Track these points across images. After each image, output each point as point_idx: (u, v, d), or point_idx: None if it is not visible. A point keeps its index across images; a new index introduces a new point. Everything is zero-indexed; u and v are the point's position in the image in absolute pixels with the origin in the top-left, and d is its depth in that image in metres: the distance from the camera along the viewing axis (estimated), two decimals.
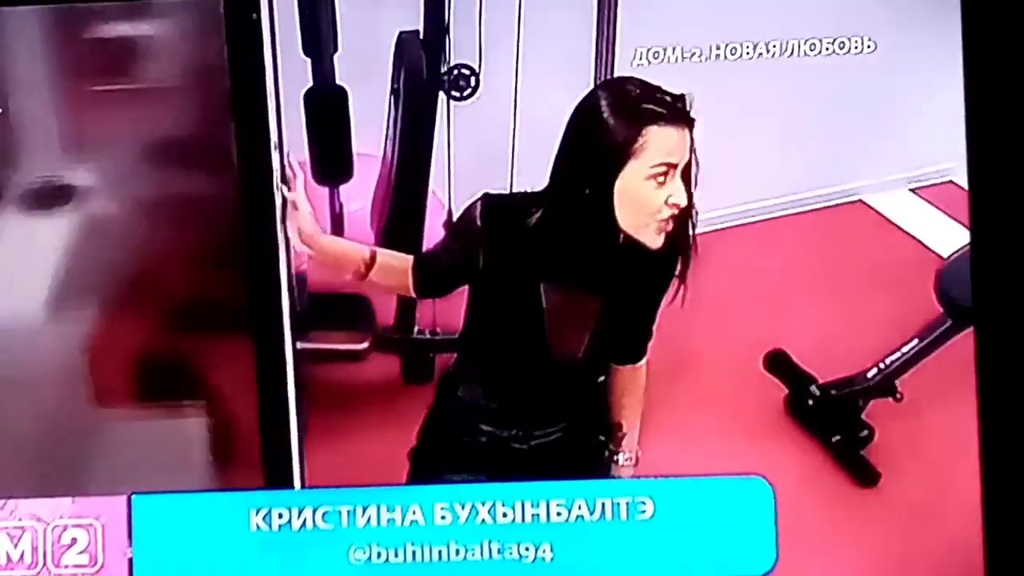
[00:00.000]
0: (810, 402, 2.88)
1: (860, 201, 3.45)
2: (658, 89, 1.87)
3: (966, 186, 3.32)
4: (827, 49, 2.32)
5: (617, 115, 1.72)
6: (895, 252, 3.29)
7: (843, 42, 2.29)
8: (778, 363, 3.06)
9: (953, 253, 2.92)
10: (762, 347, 2.92)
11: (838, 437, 2.79)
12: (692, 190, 1.85)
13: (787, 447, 2.80)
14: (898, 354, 2.81)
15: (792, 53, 2.32)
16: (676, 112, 1.78)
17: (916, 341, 2.80)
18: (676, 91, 1.90)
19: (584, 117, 1.82)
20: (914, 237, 3.30)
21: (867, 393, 2.79)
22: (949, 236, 3.15)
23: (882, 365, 2.81)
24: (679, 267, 2.24)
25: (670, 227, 1.80)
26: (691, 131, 1.84)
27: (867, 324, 3.02)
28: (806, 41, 2.30)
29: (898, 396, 2.78)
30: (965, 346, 2.83)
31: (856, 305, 3.17)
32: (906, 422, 2.83)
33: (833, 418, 2.82)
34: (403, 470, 2.67)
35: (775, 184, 3.22)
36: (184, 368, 2.31)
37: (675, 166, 1.76)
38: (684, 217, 1.94)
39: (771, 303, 3.17)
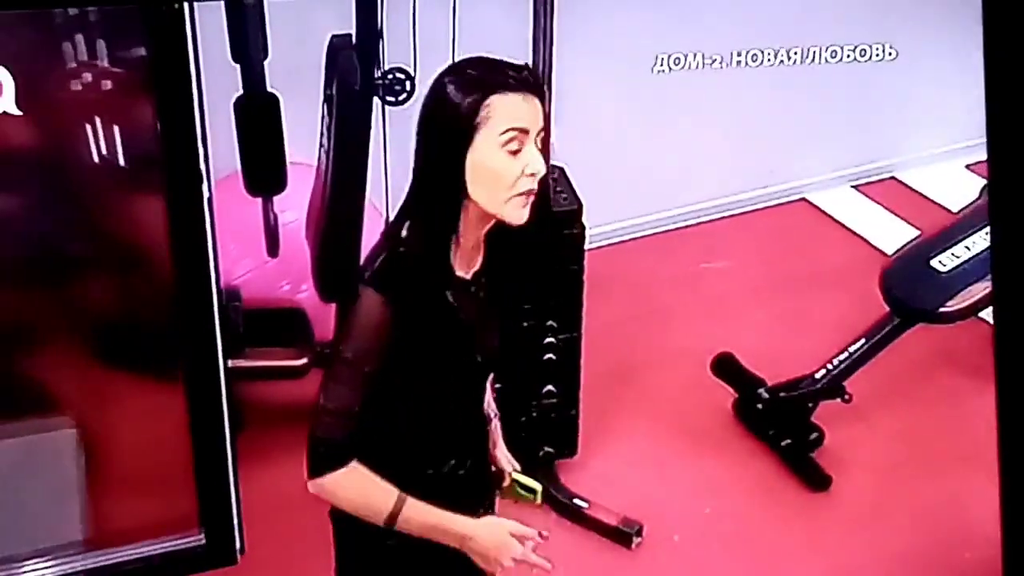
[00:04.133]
0: (759, 406, 2.85)
1: (803, 199, 3.44)
2: (501, 62, 1.83)
3: (909, 182, 3.34)
4: (848, 56, 2.30)
5: (459, 90, 1.67)
6: (840, 251, 3.28)
7: (864, 49, 2.28)
8: (726, 367, 3.01)
9: (898, 251, 2.91)
10: (710, 351, 2.93)
11: (788, 441, 2.76)
12: (549, 160, 1.81)
13: (736, 452, 2.77)
14: (845, 355, 2.77)
15: (813, 60, 2.30)
16: (520, 80, 1.74)
17: (863, 341, 2.76)
18: (519, 62, 1.87)
19: (431, 102, 1.76)
20: (858, 235, 3.29)
21: (816, 395, 2.75)
22: (893, 233, 3.14)
23: (830, 366, 2.77)
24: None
25: (531, 199, 1.74)
26: (541, 100, 1.79)
27: (814, 325, 2.99)
28: (827, 48, 2.28)
29: (846, 397, 2.75)
30: (912, 345, 2.83)
31: (802, 305, 3.14)
32: (854, 424, 2.82)
33: (782, 421, 2.78)
34: None
35: (718, 185, 3.21)
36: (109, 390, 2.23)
37: (526, 132, 1.70)
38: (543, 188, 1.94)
39: (717, 305, 3.13)
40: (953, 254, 2.72)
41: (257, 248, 2.53)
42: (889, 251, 2.91)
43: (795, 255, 3.13)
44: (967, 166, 3.23)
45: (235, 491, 2.24)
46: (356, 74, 2.37)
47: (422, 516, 1.73)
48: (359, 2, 2.34)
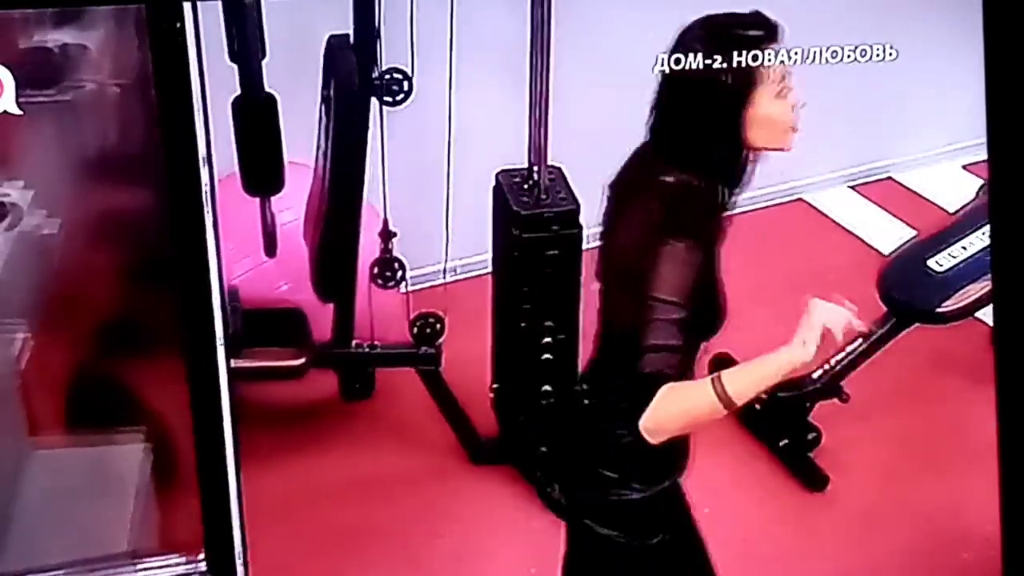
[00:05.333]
0: (757, 406, 2.85)
1: (800, 199, 3.44)
2: (742, 16, 1.98)
3: (906, 183, 3.33)
4: (849, 56, 2.33)
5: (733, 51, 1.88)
6: (837, 251, 3.28)
7: (865, 49, 2.30)
8: (723, 367, 3.01)
9: (895, 251, 2.92)
10: (707, 351, 2.93)
11: (786, 441, 2.77)
12: None
13: (734, 452, 2.75)
14: (843, 354, 2.78)
15: (814, 60, 2.32)
16: (777, 30, 1.93)
17: (860, 341, 2.77)
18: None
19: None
20: (855, 235, 3.29)
21: (813, 395, 2.76)
22: (890, 233, 3.15)
23: (827, 366, 2.78)
24: None
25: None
26: None
27: None
28: (827, 48, 2.30)
29: (844, 397, 2.76)
30: (909, 345, 2.84)
31: (800, 306, 3.15)
32: (852, 424, 2.83)
33: (780, 421, 2.79)
34: (343, 489, 2.67)
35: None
36: (116, 391, 2.24)
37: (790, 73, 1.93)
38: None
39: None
40: (950, 254, 2.73)
41: (255, 248, 2.54)
42: (886, 251, 2.92)
43: (792, 255, 3.12)
44: (964, 166, 3.22)
45: (239, 514, 2.24)
46: (354, 74, 2.39)
47: (746, 377, 1.89)
48: (357, 2, 2.35)
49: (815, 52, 2.32)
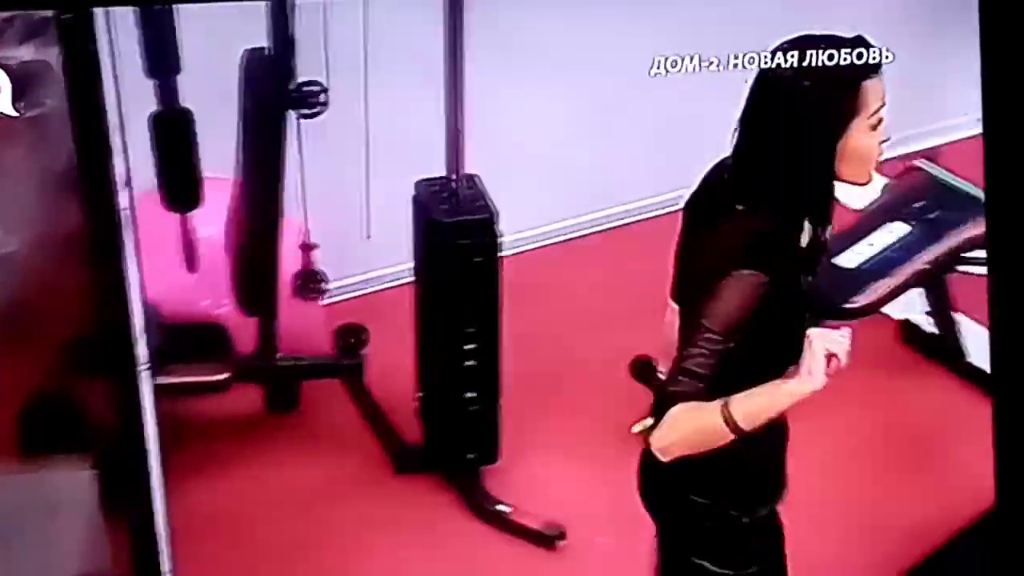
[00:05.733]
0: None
1: None
2: (840, 40, 1.97)
3: None
4: (845, 59, 2.35)
5: (832, 80, 1.83)
6: None
7: (861, 52, 2.33)
8: (644, 370, 3.06)
9: None
10: (631, 353, 2.99)
11: None
12: None
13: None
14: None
15: (809, 62, 2.35)
16: (879, 63, 1.91)
17: None
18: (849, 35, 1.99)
19: (795, 89, 1.82)
20: None
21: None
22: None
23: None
24: None
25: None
26: None
27: None
28: (824, 51, 2.33)
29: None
30: None
31: None
32: None
33: None
34: (271, 504, 2.66)
35: (636, 188, 3.25)
36: (63, 415, 2.21)
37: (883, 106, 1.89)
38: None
39: (639, 309, 3.17)
40: (857, 251, 2.79)
41: (176, 263, 2.53)
42: None
43: None
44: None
45: (167, 533, 2.22)
46: (270, 87, 2.38)
47: (752, 404, 1.80)
48: (273, 15, 2.35)
49: (812, 54, 2.36)
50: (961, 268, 2.77)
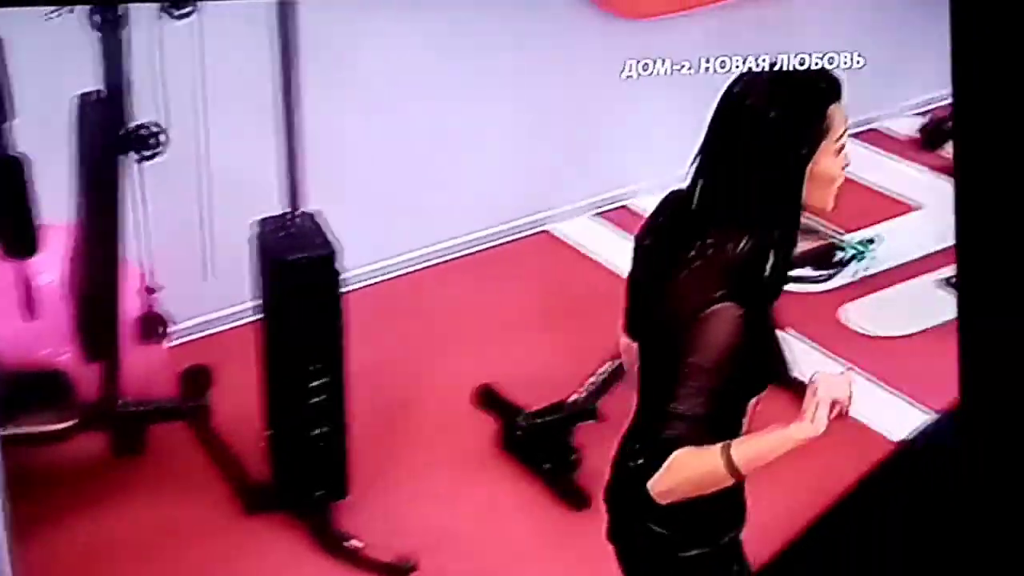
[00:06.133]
0: (519, 433, 2.94)
1: (545, 231, 3.56)
2: (807, 71, 2.01)
3: (642, 208, 3.49)
4: (816, 63, 2.38)
5: (802, 105, 1.81)
6: (583, 278, 3.40)
7: (832, 57, 2.36)
8: (487, 398, 3.06)
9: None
10: (472, 383, 2.96)
11: (548, 464, 2.86)
12: None
13: (505, 479, 2.82)
14: (595, 377, 2.89)
15: (781, 68, 2.38)
16: (839, 85, 1.91)
17: (611, 363, 2.90)
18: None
19: (763, 117, 1.77)
20: (600, 262, 3.43)
21: (571, 418, 2.86)
22: (629, 258, 3.29)
23: (582, 389, 2.90)
24: None
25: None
26: None
27: (568, 350, 3.10)
28: (795, 55, 2.36)
29: (599, 417, 2.87)
30: None
31: (555, 333, 3.26)
32: (611, 443, 2.93)
33: (542, 446, 2.88)
34: (120, 549, 2.62)
35: (469, 220, 3.29)
36: None
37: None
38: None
39: (480, 338, 3.22)
40: None
41: (15, 311, 2.48)
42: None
43: (542, 286, 3.23)
44: None
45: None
46: (105, 130, 2.36)
47: (752, 449, 1.79)
48: (105, 59, 2.33)
49: (783, 58, 2.41)
50: (787, 285, 2.89)
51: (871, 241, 2.92)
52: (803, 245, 2.86)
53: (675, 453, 1.77)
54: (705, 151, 1.86)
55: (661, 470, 1.79)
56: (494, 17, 3.01)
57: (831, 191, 1.83)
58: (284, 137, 2.51)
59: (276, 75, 2.45)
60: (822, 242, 2.89)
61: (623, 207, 3.58)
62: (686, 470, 1.78)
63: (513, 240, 3.47)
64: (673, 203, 1.93)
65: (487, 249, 3.46)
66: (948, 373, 2.44)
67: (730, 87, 1.84)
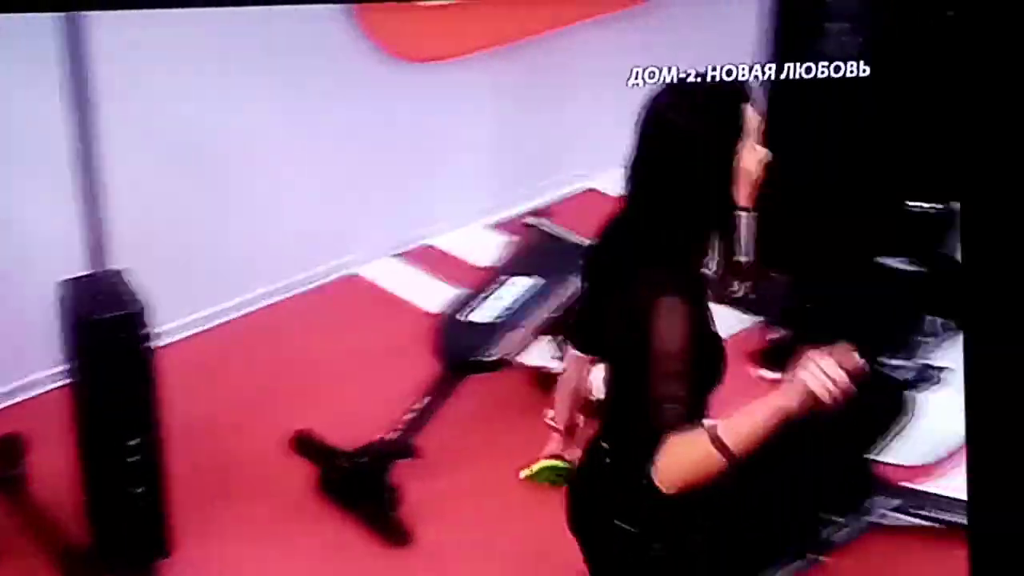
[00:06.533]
0: (337, 475, 2.96)
1: (352, 275, 3.60)
2: (709, 76, 2.12)
3: (442, 246, 3.57)
4: (823, 72, 2.42)
5: (721, 107, 1.93)
6: (390, 317, 3.45)
7: (839, 66, 2.40)
8: (303, 444, 3.07)
9: (441, 310, 3.12)
10: (287, 430, 2.98)
11: (367, 503, 2.88)
12: None
13: (328, 523, 2.83)
14: (410, 415, 2.94)
15: (788, 75, 2.42)
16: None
17: (424, 400, 2.95)
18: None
19: (684, 123, 1.89)
20: (405, 300, 3.48)
21: (387, 456, 2.89)
22: (435, 294, 3.35)
23: (398, 428, 2.94)
24: None
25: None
26: None
27: (381, 390, 3.10)
28: (803, 65, 2.40)
29: (415, 454, 2.92)
30: (472, 394, 3.05)
31: (367, 373, 3.29)
32: (431, 478, 2.96)
33: (361, 486, 2.90)
34: None
35: (275, 268, 3.31)
36: None
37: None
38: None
39: (296, 386, 3.22)
40: (488, 307, 2.96)
41: None
42: (434, 312, 3.10)
43: (356, 326, 3.27)
44: (490, 226, 3.51)
45: None
46: None
47: (737, 426, 1.84)
48: None
49: (789, 68, 2.45)
50: None
51: None
52: None
53: (668, 441, 1.86)
54: (636, 164, 1.96)
55: (658, 459, 1.87)
56: (289, 68, 3.05)
57: (754, 185, 1.94)
58: (84, 196, 2.50)
59: (73, 133, 2.44)
60: None
61: (426, 246, 3.67)
62: (680, 457, 1.86)
63: (320, 285, 3.52)
64: (615, 219, 2.05)
65: (295, 296, 3.49)
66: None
67: (652, 100, 1.95)
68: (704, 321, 1.95)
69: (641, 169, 1.94)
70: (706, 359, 1.94)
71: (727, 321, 2.08)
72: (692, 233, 1.93)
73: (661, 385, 1.86)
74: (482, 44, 3.42)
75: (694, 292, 1.91)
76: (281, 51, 3.07)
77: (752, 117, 1.93)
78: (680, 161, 1.90)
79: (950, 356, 2.49)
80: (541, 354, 3.02)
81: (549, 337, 2.99)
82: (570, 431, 2.23)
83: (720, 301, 2.01)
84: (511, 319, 2.94)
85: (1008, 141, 2.51)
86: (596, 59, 3.40)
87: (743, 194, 1.93)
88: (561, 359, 3.15)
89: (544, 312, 2.95)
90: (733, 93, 1.96)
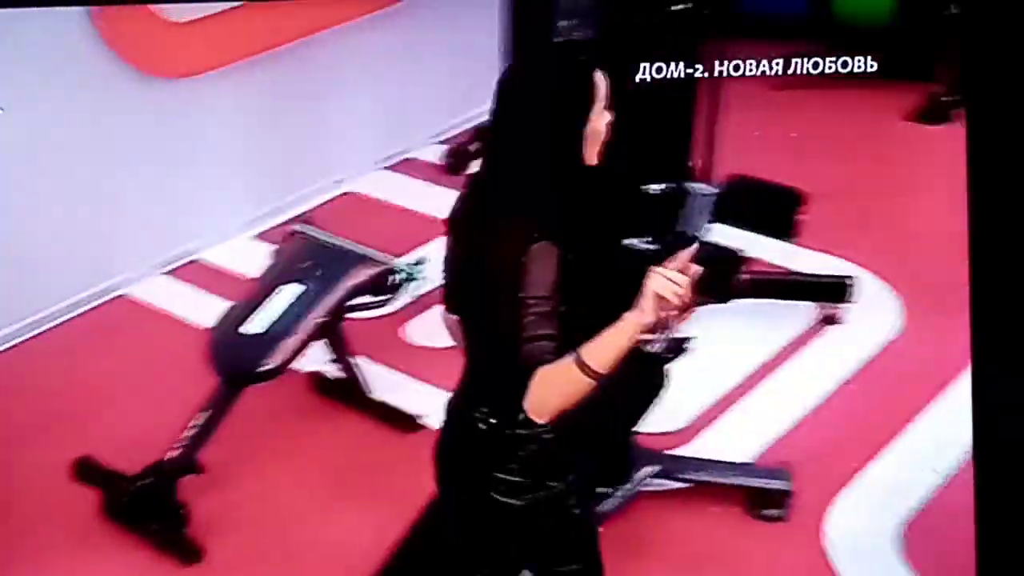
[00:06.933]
0: (123, 499, 2.93)
1: (121, 296, 3.58)
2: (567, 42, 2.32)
3: (210, 260, 3.58)
4: (830, 68, 2.43)
5: (575, 71, 2.09)
6: (164, 336, 3.44)
7: (846, 61, 2.42)
8: (86, 470, 3.02)
9: (215, 325, 3.12)
10: (69, 458, 2.94)
11: (155, 524, 2.86)
12: None
13: (116, 549, 2.83)
14: (192, 430, 2.93)
15: (796, 71, 2.43)
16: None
17: (205, 414, 2.97)
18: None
19: (540, 85, 2.06)
20: (178, 318, 3.48)
21: (172, 475, 2.89)
22: (208, 309, 3.34)
23: (180, 445, 2.92)
24: None
25: None
26: None
27: (160, 409, 3.09)
28: (810, 60, 2.42)
29: (199, 469, 2.91)
30: (253, 404, 3.04)
31: (144, 394, 3.26)
32: (221, 492, 2.95)
33: (147, 507, 2.89)
34: None
35: (37, 296, 3.27)
36: None
37: None
38: None
39: (68, 413, 3.16)
40: (259, 317, 2.97)
41: None
42: (208, 326, 3.11)
43: (130, 347, 3.25)
44: (255, 236, 3.54)
45: None
46: None
47: (598, 346, 1.98)
48: None
49: (796, 63, 2.47)
50: (351, 315, 3.06)
51: (420, 262, 3.12)
52: (361, 275, 3.08)
53: (536, 373, 1.99)
54: (497, 130, 2.10)
55: (529, 390, 2.00)
56: (32, 81, 3.00)
57: (599, 146, 2.10)
58: None
59: None
60: (376, 269, 3.06)
61: (193, 261, 3.68)
62: (548, 384, 1.99)
63: (89, 309, 3.50)
64: (475, 184, 2.15)
65: (64, 323, 3.46)
66: None
67: (508, 75, 2.12)
68: (589, 267, 2.09)
69: (505, 132, 2.09)
70: (588, 303, 2.07)
71: None
72: (556, 187, 2.08)
73: (531, 326, 1.99)
74: (233, 56, 3.43)
75: (565, 240, 2.04)
76: (24, 60, 3.02)
77: (601, 82, 2.10)
78: (538, 124, 2.07)
79: (694, 326, 2.62)
80: (316, 359, 3.08)
81: (323, 341, 3.04)
82: None
83: None
84: (283, 327, 2.96)
85: None
86: (348, 63, 3.45)
87: (591, 152, 2.10)
88: (336, 361, 3.27)
89: (315, 317, 2.98)
90: (587, 62, 2.13)
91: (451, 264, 2.18)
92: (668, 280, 1.98)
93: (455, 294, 2.20)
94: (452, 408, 2.17)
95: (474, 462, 2.13)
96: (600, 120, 2.08)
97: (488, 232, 2.07)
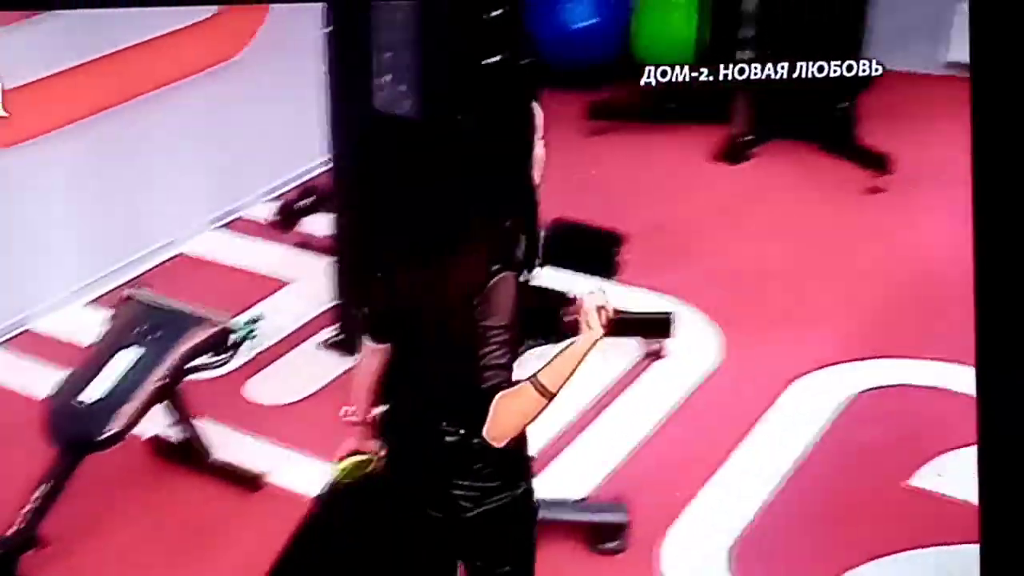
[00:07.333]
0: None
1: None
2: None
3: (42, 330, 3.54)
4: (834, 71, 2.43)
5: None
6: (1, 410, 3.40)
7: (851, 65, 2.43)
8: None
9: (49, 396, 3.10)
10: None
11: None
12: None
13: None
14: (32, 504, 2.89)
15: (799, 73, 2.43)
16: None
17: (44, 486, 2.93)
18: None
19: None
20: (14, 391, 3.43)
21: (12, 552, 2.85)
22: (42, 380, 3.32)
23: (19, 521, 2.88)
24: None
25: None
26: None
27: (4, 487, 2.96)
28: (814, 64, 2.42)
29: (39, 544, 2.86)
30: (91, 477, 3.04)
31: None
32: (62, 562, 2.92)
33: None
34: None
35: None
36: None
37: None
38: None
39: None
40: (97, 385, 2.97)
41: None
42: (43, 396, 3.08)
43: None
44: (88, 303, 3.52)
45: None
46: None
47: (553, 369, 2.12)
48: None
49: (801, 66, 2.46)
50: (191, 376, 3.05)
51: (256, 320, 3.15)
52: (197, 336, 3.09)
53: (495, 400, 2.13)
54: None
55: (491, 417, 2.14)
56: None
57: (541, 168, 2.31)
58: None
59: None
60: (214, 329, 3.08)
61: (25, 331, 3.64)
62: (509, 411, 2.14)
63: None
64: (397, 207, 2.26)
65: None
66: (343, 429, 2.67)
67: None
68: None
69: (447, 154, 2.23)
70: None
71: None
72: (510, 219, 2.26)
73: (492, 355, 2.14)
74: (58, 121, 3.42)
75: (515, 267, 2.19)
76: None
77: (539, 114, 2.34)
78: (488, 149, 2.30)
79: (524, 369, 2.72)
80: (156, 423, 3.06)
81: (164, 404, 3.03)
82: (368, 423, 2.41)
83: None
84: (122, 393, 2.95)
85: None
86: (175, 122, 3.46)
87: (537, 175, 2.34)
88: (177, 424, 3.26)
89: (154, 381, 2.98)
90: (530, 94, 2.37)
91: (385, 295, 2.28)
92: (597, 294, 2.16)
93: (388, 323, 2.29)
94: (402, 426, 2.29)
95: (440, 473, 2.25)
96: (540, 145, 2.38)
97: (442, 262, 2.19)
